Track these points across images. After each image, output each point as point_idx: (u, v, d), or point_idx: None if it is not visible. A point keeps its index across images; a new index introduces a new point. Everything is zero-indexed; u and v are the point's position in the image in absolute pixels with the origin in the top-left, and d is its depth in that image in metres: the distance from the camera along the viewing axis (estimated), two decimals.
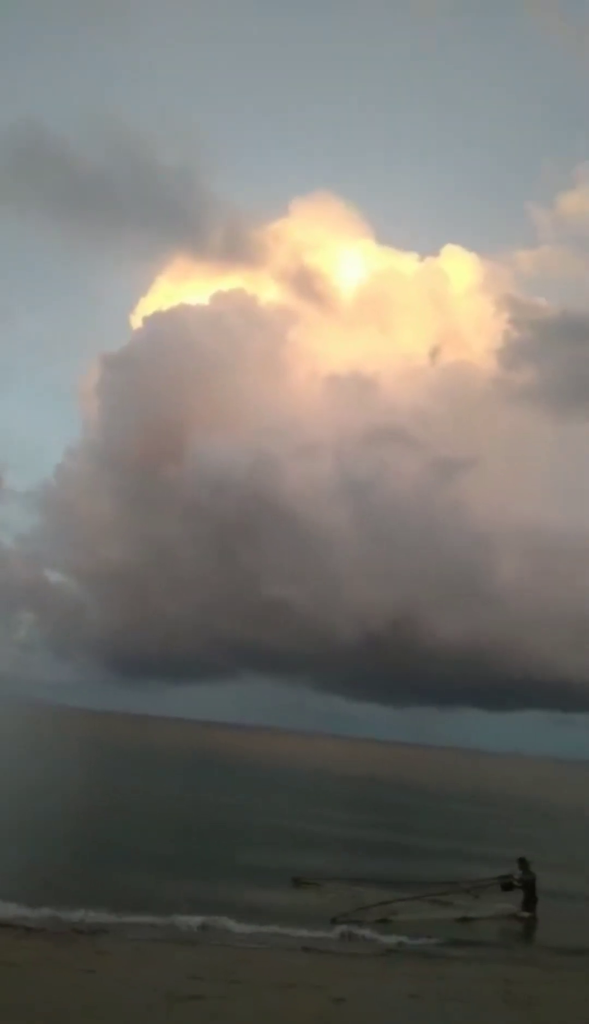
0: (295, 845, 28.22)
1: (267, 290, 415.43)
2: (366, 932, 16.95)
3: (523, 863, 21.16)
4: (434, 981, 13.00)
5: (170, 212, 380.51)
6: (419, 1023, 10.18)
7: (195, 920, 16.20)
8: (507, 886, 20.90)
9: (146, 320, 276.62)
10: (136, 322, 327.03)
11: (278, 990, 11.42)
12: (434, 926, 18.26)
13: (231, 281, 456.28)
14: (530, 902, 20.63)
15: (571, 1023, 10.82)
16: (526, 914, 20.44)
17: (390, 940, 16.54)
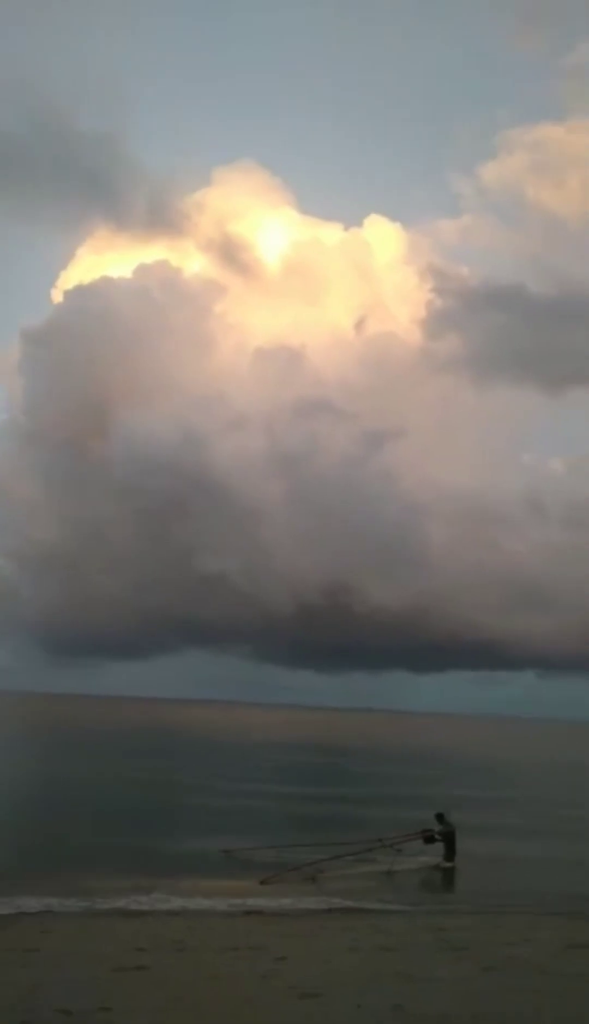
0: (230, 816, 28.61)
1: (191, 261, 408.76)
2: (298, 892, 17.56)
3: (440, 817, 22.19)
4: (371, 934, 13.55)
5: (90, 180, 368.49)
6: (358, 973, 10.59)
7: (135, 895, 16.54)
8: (429, 839, 22.00)
9: (68, 294, 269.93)
10: (57, 296, 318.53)
11: (221, 954, 11.76)
12: (360, 881, 18.98)
13: (154, 251, 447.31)
14: (450, 853, 21.78)
15: (503, 964, 11.38)
16: (447, 864, 21.63)
17: (327, 899, 17.18)
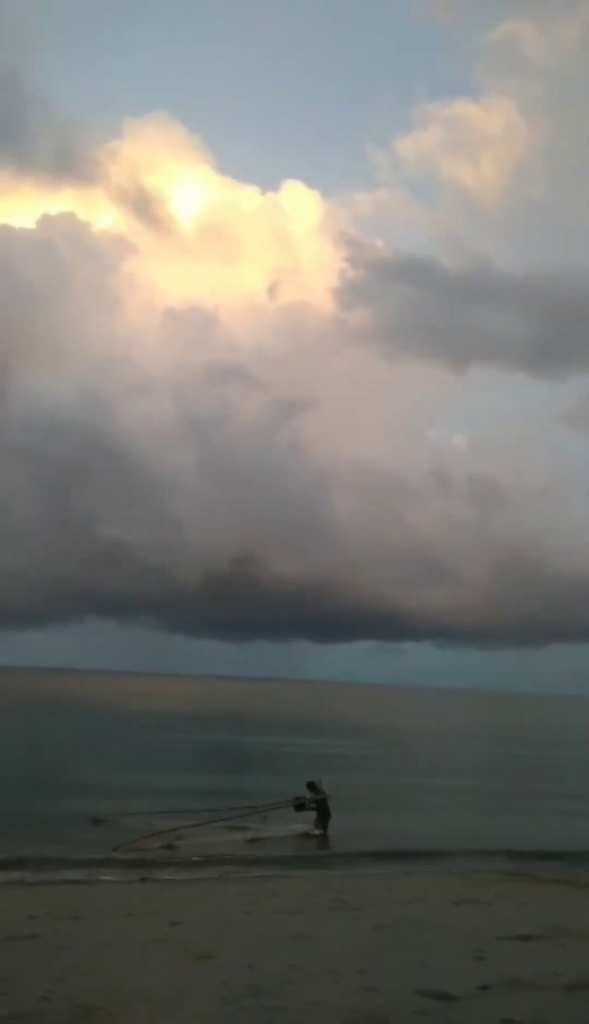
0: (113, 789, 27.81)
1: (101, 213, 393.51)
2: (157, 858, 17.70)
3: (312, 785, 22.42)
4: (267, 898, 13.82)
5: None
6: (253, 936, 10.78)
7: (23, 867, 16.32)
8: (300, 807, 22.13)
9: None
10: None
11: (116, 920, 11.78)
12: (223, 848, 19.09)
13: (61, 201, 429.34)
14: (323, 820, 21.92)
15: (394, 922, 11.79)
16: (318, 832, 21.69)
17: (224, 865, 17.41)
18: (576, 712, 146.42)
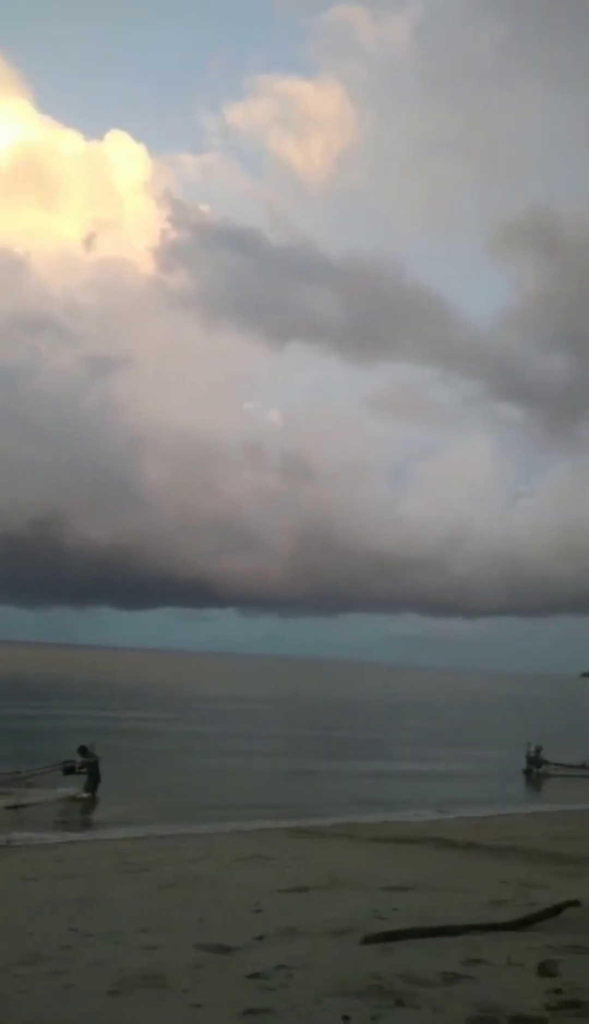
0: None
1: None
2: None
3: (83, 750, 22.42)
4: (51, 863, 13.62)
5: None
6: (34, 902, 10.59)
7: None
8: (69, 770, 22.04)
9: None
10: None
11: None
12: None
13: None
14: (92, 784, 21.96)
15: (179, 880, 12.00)
16: (86, 795, 21.67)
17: (5, 834, 16.95)
18: (369, 678, 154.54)
